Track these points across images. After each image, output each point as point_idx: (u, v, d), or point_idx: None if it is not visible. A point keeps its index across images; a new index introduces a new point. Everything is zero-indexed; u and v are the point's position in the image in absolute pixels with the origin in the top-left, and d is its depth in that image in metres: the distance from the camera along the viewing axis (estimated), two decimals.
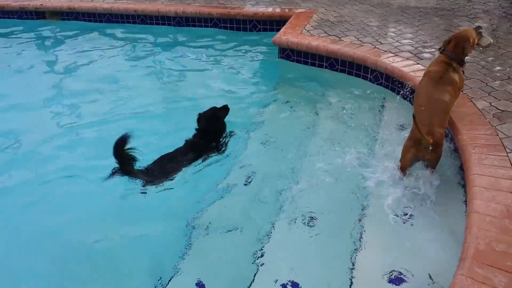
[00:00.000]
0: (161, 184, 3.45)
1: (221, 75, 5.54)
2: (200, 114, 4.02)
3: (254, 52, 6.14)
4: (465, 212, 2.82)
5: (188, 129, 3.97)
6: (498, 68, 4.44)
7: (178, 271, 2.75)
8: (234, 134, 4.11)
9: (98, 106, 4.75)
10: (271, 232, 3.03)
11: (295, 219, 3.12)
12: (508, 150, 3.12)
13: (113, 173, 3.42)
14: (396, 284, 2.58)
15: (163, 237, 3.05)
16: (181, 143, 3.80)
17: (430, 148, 3.01)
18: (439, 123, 3.09)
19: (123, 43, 6.60)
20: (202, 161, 3.75)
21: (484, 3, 6.66)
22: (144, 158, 3.53)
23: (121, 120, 4.43)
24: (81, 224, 3.19)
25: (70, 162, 3.83)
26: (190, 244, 2.96)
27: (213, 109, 4.07)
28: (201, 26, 6.92)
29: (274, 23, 6.51)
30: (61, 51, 6.41)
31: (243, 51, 6.19)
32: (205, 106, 4.19)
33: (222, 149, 3.92)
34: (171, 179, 3.51)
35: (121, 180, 3.41)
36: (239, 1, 7.39)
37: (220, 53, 6.16)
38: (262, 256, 2.83)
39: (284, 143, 4.02)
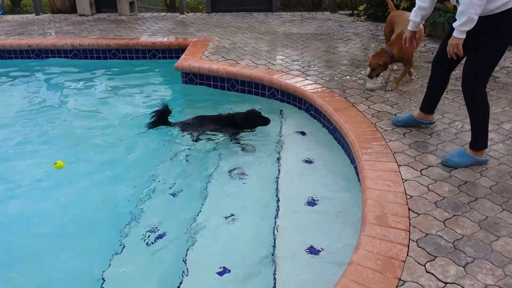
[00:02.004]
0: (194, 134, 4.67)
1: (126, 103, 5.68)
2: (251, 110, 4.78)
3: (157, 79, 6.44)
4: (360, 190, 3.40)
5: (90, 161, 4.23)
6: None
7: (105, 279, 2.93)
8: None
9: None
10: (196, 228, 3.34)
11: (216, 216, 3.46)
12: (387, 140, 3.80)
13: (154, 122, 4.77)
14: (314, 254, 3.02)
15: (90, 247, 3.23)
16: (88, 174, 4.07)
17: None
18: None
19: (19, 79, 6.48)
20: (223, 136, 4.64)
21: (354, 28, 7.72)
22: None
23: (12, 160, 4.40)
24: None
25: None
26: (120, 248, 3.17)
27: (258, 112, 4.74)
28: (99, 58, 7.06)
29: (173, 52, 6.89)
30: None
31: (146, 79, 6.45)
32: (113, 136, 4.61)
33: (235, 137, 4.66)
34: (199, 136, 4.65)
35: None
36: (134, 32, 7.68)
37: (123, 82, 6.33)
38: (192, 249, 3.13)
39: (195, 158, 4.35)
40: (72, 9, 9.39)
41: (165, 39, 7.09)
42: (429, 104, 3.94)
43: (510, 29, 3.12)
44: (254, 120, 4.71)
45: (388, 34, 5.27)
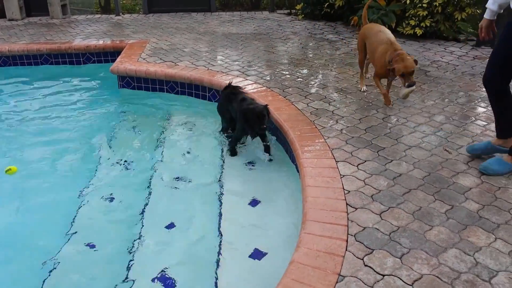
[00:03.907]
0: None
1: (59, 111, 5.45)
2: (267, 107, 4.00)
3: (93, 84, 6.22)
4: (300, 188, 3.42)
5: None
6: (311, 78, 5.34)
7: None
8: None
9: None
10: (139, 239, 3.25)
11: (156, 224, 3.39)
12: (325, 137, 3.86)
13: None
14: (258, 258, 3.02)
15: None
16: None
17: None
18: None
19: None
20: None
21: (292, 27, 7.81)
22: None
23: None
24: None
25: None
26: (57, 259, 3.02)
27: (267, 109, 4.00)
28: (30, 64, 6.73)
29: (109, 55, 6.69)
30: None
31: (81, 84, 6.22)
32: (52, 145, 4.41)
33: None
34: None
35: None
36: (67, 36, 7.38)
37: (56, 89, 6.08)
38: (132, 259, 3.05)
39: (136, 164, 4.24)
40: (1, 14, 8.90)
41: (100, 42, 6.86)
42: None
43: None
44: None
45: (361, 48, 4.76)
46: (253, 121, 3.87)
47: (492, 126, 4.00)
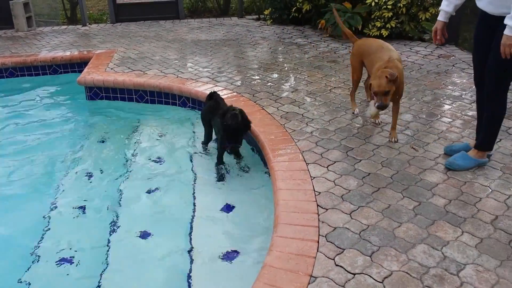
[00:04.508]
0: None
1: (28, 123, 5.34)
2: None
3: (60, 96, 6.10)
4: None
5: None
6: (281, 82, 5.37)
7: None
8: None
9: None
10: (110, 249, 3.21)
11: (126, 233, 3.37)
12: (295, 140, 3.88)
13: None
14: (230, 260, 3.01)
15: None
16: None
17: None
18: None
19: None
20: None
21: (261, 32, 7.85)
22: None
23: None
24: None
25: None
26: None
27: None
28: None
29: (76, 66, 6.59)
30: None
31: (48, 96, 6.09)
32: (19, 158, 4.32)
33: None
34: None
35: None
36: (33, 48, 7.24)
37: (24, 102, 5.93)
38: (105, 269, 3.00)
39: (107, 175, 4.19)
40: None
41: (67, 53, 6.76)
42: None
43: None
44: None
45: (358, 67, 4.28)
46: (231, 136, 3.85)
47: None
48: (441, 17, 3.37)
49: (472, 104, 4.46)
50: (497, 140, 3.64)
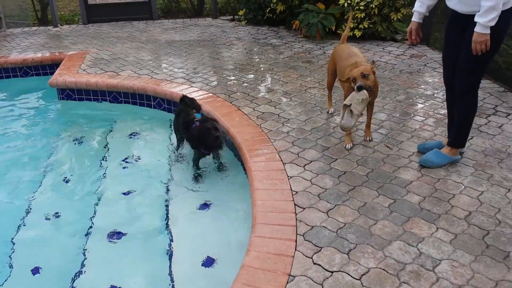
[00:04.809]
0: None
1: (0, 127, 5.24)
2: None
3: (32, 99, 5.95)
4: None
5: None
6: (257, 82, 5.37)
7: None
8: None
9: None
10: (86, 253, 3.14)
11: (105, 237, 3.31)
12: (272, 140, 3.89)
13: None
14: (208, 266, 2.99)
15: None
16: None
17: None
18: None
19: None
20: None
21: (236, 32, 7.83)
22: None
23: None
24: None
25: None
26: None
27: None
28: None
29: (47, 67, 6.44)
30: None
31: (20, 99, 5.93)
32: None
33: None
34: None
35: None
36: (2, 50, 7.06)
37: None
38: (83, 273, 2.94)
39: (80, 178, 4.12)
40: None
41: (38, 55, 6.60)
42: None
43: (503, 27, 3.00)
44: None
45: (331, 71, 4.24)
46: (204, 140, 3.74)
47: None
48: (415, 18, 3.43)
49: (444, 102, 4.54)
50: (469, 137, 3.73)
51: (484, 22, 2.86)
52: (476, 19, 2.90)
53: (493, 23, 2.87)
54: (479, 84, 3.23)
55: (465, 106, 3.30)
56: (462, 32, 3.13)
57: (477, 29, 2.91)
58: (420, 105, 4.57)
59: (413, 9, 3.42)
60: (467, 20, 3.03)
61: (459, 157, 3.50)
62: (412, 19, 3.45)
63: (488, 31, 2.89)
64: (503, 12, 2.89)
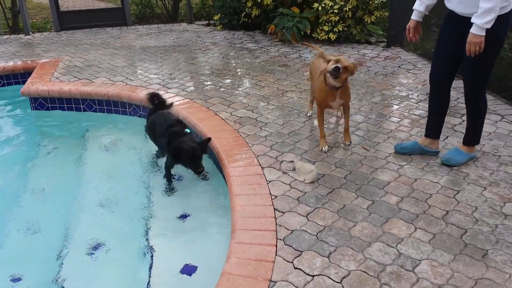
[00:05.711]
0: None
1: None
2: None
3: (3, 109, 5.79)
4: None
5: None
6: (234, 87, 5.35)
7: None
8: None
9: None
10: (63, 265, 3.07)
11: (84, 248, 3.23)
12: (250, 145, 3.87)
13: None
14: (189, 274, 2.95)
15: None
16: None
17: None
18: None
19: None
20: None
21: (212, 37, 7.81)
22: None
23: None
24: None
25: None
26: None
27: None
28: None
29: (19, 76, 6.29)
30: None
31: None
32: None
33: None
34: None
35: None
36: None
37: None
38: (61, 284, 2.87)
39: (56, 190, 4.02)
40: None
41: (9, 64, 6.44)
42: (434, 129, 3.62)
43: (501, 31, 3.07)
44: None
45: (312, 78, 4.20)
46: (186, 161, 3.60)
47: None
48: (413, 16, 3.45)
49: (419, 103, 4.61)
50: (444, 137, 3.79)
51: (481, 23, 2.88)
52: (473, 20, 2.94)
53: (489, 25, 2.90)
54: (488, 81, 3.26)
55: (479, 103, 3.35)
56: (460, 34, 3.15)
57: (473, 30, 2.94)
58: (395, 106, 4.61)
59: (413, 7, 3.44)
60: (465, 24, 3.05)
61: (475, 153, 3.56)
62: (411, 17, 3.47)
63: (484, 33, 2.92)
64: (501, 15, 2.93)
